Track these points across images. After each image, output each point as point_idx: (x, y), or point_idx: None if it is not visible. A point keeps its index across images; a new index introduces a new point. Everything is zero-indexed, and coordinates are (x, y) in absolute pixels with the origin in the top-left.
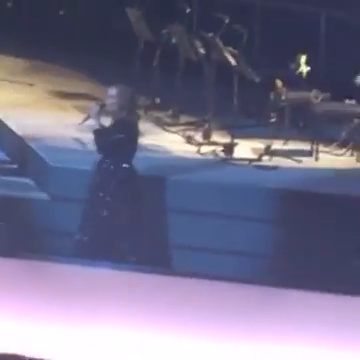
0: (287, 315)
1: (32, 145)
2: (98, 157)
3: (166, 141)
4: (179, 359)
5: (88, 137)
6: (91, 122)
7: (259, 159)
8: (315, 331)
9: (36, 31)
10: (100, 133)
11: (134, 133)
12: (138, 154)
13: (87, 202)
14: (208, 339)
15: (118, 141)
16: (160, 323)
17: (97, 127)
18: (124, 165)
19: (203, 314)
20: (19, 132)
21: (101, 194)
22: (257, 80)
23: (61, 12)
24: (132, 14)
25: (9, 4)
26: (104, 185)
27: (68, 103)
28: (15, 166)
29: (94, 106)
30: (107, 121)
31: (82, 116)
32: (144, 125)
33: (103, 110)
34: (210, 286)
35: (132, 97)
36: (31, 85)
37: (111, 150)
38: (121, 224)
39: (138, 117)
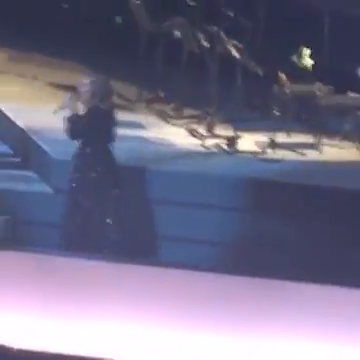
0: (281, 307)
1: (35, 138)
2: (78, 147)
3: (170, 134)
4: (167, 348)
5: None
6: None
7: (262, 152)
8: (304, 323)
9: (37, 23)
10: (71, 121)
11: (107, 121)
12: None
13: (69, 193)
14: (197, 330)
15: (90, 129)
16: (147, 314)
17: (69, 115)
18: (101, 154)
19: (193, 305)
20: (21, 125)
21: (81, 184)
22: (260, 73)
23: (64, 5)
24: (132, 5)
25: None
26: (83, 174)
27: None
28: (18, 159)
29: (67, 95)
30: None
31: None
32: (147, 118)
33: (77, 99)
34: (200, 277)
35: (104, 85)
36: (35, 78)
37: (85, 138)
38: (103, 214)
39: (112, 105)
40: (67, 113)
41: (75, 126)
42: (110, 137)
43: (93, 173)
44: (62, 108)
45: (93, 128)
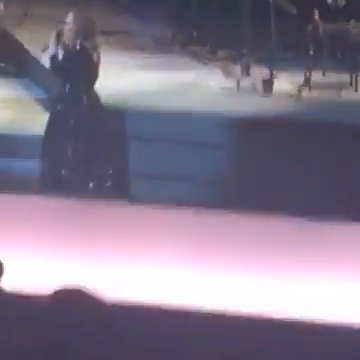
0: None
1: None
2: (59, 84)
3: (205, 75)
4: (134, 285)
5: None
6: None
7: (298, 92)
8: (275, 257)
9: None
10: (56, 59)
11: (91, 59)
12: None
13: (49, 128)
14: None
15: (73, 67)
16: (126, 251)
17: (53, 53)
18: (85, 92)
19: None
20: None
21: (64, 121)
22: (294, 12)
23: None
24: None
25: None
26: (66, 113)
27: None
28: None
29: (52, 33)
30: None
31: None
32: (181, 60)
33: (61, 36)
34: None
35: (88, 23)
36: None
37: (68, 76)
38: (84, 152)
39: (96, 44)
40: (51, 51)
41: (58, 64)
42: (93, 76)
43: (76, 112)
44: (48, 46)
45: (75, 66)
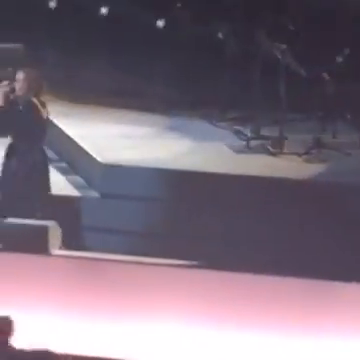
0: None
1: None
2: (10, 140)
3: (214, 136)
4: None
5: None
6: None
7: (308, 152)
8: (275, 316)
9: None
10: (6, 115)
11: (41, 116)
12: None
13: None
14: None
15: (22, 123)
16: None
17: (3, 109)
18: (35, 148)
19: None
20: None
21: (14, 177)
22: (303, 74)
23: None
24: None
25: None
26: (16, 168)
27: None
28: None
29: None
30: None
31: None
32: (192, 121)
33: (12, 94)
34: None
35: (39, 80)
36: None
37: (19, 132)
38: (34, 207)
39: (44, 102)
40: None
41: (9, 121)
42: (43, 132)
43: (27, 166)
44: None
45: (24, 123)
